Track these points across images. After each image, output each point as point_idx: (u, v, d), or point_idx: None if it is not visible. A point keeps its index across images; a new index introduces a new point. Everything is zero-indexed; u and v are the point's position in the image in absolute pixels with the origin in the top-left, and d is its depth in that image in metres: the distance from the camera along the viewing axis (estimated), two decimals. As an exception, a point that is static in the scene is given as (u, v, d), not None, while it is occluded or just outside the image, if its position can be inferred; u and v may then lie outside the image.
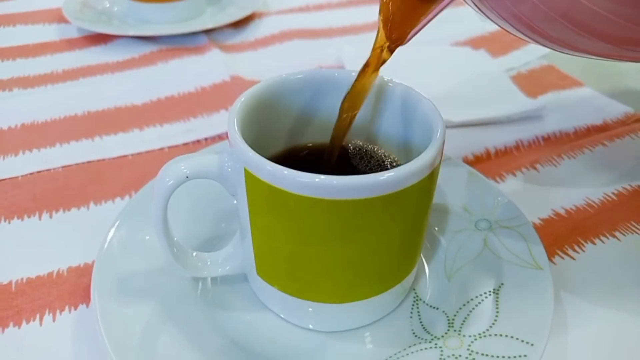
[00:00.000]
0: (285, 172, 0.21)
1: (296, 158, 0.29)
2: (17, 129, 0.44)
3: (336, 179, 0.20)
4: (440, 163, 0.23)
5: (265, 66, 0.54)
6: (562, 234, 0.33)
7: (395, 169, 0.21)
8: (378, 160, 0.28)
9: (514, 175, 0.38)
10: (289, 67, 0.52)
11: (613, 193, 0.36)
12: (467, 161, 0.39)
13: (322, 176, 0.20)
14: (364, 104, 0.27)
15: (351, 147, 0.29)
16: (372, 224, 0.22)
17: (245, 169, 0.22)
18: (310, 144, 0.30)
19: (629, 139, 0.41)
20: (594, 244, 0.32)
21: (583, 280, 0.30)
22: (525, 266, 0.27)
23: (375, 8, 0.26)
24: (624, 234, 0.33)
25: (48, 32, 0.61)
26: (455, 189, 0.33)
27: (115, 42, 0.58)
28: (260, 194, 0.22)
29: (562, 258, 0.31)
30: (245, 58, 0.56)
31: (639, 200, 0.36)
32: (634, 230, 0.33)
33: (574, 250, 0.32)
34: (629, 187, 0.37)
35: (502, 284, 0.27)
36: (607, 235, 0.33)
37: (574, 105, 0.46)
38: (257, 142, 0.25)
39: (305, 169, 0.21)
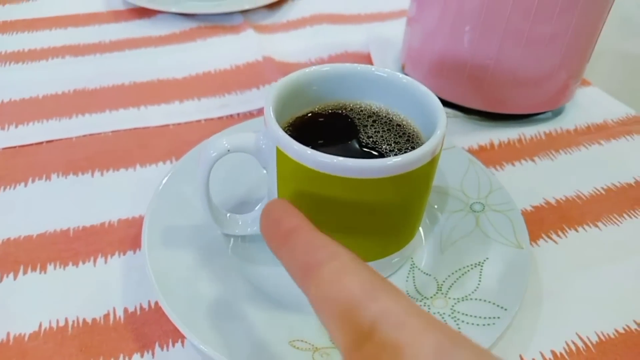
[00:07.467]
0: (309, 152, 0.25)
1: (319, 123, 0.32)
2: (70, 93, 0.49)
3: (350, 161, 0.25)
4: (440, 152, 0.27)
5: (295, 48, 0.58)
6: (549, 220, 0.37)
7: (401, 156, 0.25)
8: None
9: (513, 165, 0.42)
10: (317, 50, 0.57)
11: (602, 188, 0.40)
12: (471, 150, 0.43)
13: (339, 157, 0.25)
14: (380, 94, 0.32)
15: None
16: (378, 198, 0.26)
17: (277, 147, 0.26)
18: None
19: (624, 140, 0.45)
20: (577, 231, 0.36)
21: (562, 262, 0.34)
22: (509, 245, 0.32)
23: None
24: (605, 225, 0.37)
25: (96, 3, 0.65)
26: (456, 174, 0.37)
27: (158, 16, 0.62)
28: (287, 168, 0.27)
29: (546, 241, 0.36)
30: (277, 39, 0.60)
31: (625, 196, 0.40)
32: (615, 222, 0.37)
33: (557, 235, 0.36)
34: (617, 184, 0.41)
35: (487, 258, 0.31)
36: (590, 224, 0.37)
37: (578, 103, 0.50)
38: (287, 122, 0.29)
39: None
